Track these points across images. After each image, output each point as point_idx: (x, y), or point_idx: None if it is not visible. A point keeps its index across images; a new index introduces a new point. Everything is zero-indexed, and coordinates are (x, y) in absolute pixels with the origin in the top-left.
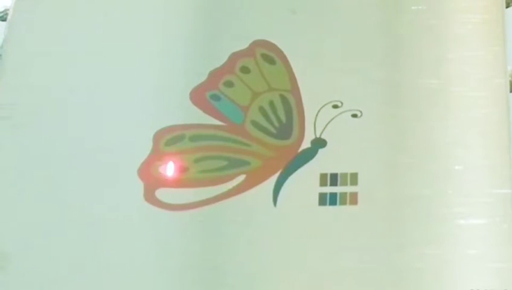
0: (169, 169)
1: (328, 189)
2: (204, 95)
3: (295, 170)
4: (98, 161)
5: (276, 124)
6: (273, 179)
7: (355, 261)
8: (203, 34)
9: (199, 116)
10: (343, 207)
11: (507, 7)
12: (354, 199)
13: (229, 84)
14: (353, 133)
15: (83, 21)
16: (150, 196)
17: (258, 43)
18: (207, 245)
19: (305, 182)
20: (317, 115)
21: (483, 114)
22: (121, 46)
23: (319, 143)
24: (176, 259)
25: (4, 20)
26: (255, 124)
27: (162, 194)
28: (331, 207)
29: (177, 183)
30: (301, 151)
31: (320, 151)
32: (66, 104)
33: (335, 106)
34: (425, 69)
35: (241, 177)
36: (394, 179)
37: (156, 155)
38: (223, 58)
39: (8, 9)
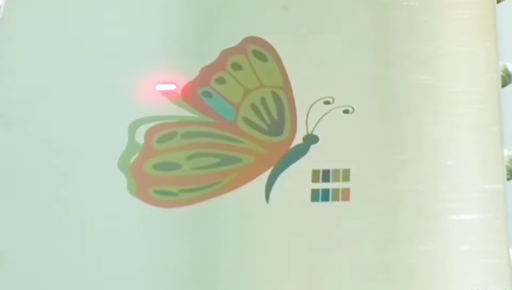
0: (162, 166)
1: (321, 185)
2: (196, 92)
3: (287, 166)
4: (92, 158)
5: (268, 120)
6: (266, 175)
7: (347, 257)
8: (195, 30)
9: (191, 113)
10: (335, 203)
11: (498, 2)
12: (346, 195)
13: (221, 81)
14: (345, 129)
15: (76, 19)
16: (142, 193)
17: (249, 40)
18: (200, 242)
19: (297, 178)
20: (309, 111)
21: (475, 109)
22: (113, 43)
23: (311, 139)
24: (168, 256)
25: None
26: (246, 120)
27: (154, 191)
28: (324, 203)
29: (170, 180)
30: (293, 148)
31: (312, 147)
32: (60, 102)
33: (327, 102)
34: (417, 65)
35: (234, 174)
36: (386, 175)
37: (148, 152)
38: (215, 55)
39: (0, 7)
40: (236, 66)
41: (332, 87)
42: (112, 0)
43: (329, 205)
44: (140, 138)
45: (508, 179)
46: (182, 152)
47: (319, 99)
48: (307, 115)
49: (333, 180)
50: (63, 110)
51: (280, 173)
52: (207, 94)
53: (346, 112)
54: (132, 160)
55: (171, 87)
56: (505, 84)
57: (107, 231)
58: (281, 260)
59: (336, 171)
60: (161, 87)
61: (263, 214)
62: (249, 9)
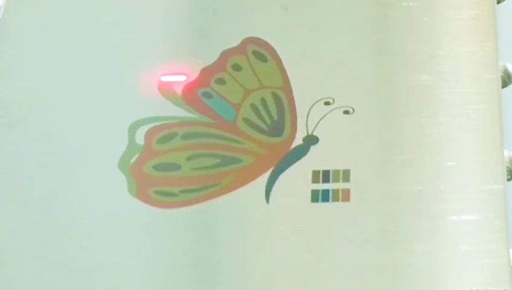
0: (162, 167)
1: (321, 186)
2: (196, 93)
3: (287, 167)
4: (93, 159)
5: (268, 121)
6: (266, 176)
7: (347, 257)
8: (195, 31)
9: (191, 114)
10: (335, 204)
11: (498, 3)
12: (346, 195)
13: (221, 81)
14: (345, 129)
15: (76, 20)
16: (142, 194)
17: (249, 40)
18: (199, 243)
19: (297, 179)
20: (309, 112)
21: (475, 110)
22: (113, 44)
23: (311, 140)
24: (168, 257)
25: None
26: (247, 121)
27: (154, 192)
28: (324, 204)
29: (170, 181)
30: (293, 148)
31: (313, 148)
32: (60, 103)
33: (327, 103)
34: (416, 66)
35: (234, 175)
36: (386, 175)
37: (148, 153)
38: (215, 56)
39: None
40: (236, 67)
41: (333, 87)
42: (112, 1)
43: (329, 205)
44: (140, 139)
45: (508, 180)
46: (182, 153)
47: (319, 100)
48: (307, 116)
49: (333, 181)
50: (63, 111)
51: (280, 174)
52: (207, 95)
53: (346, 112)
54: (132, 161)
55: (171, 87)
56: (504, 84)
57: (107, 232)
58: (281, 261)
59: (336, 171)
60: (161, 87)
61: (263, 215)
62: (249, 10)
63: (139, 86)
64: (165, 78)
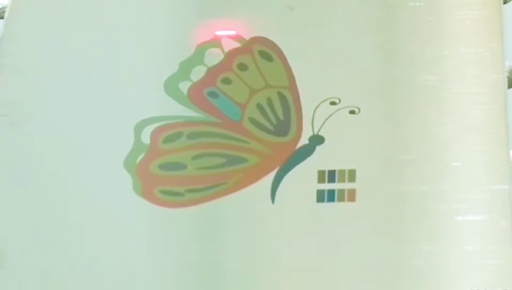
0: (167, 166)
1: (326, 186)
2: (201, 92)
3: (293, 167)
4: (98, 158)
5: (274, 121)
6: (271, 176)
7: (352, 258)
8: (200, 31)
9: (197, 114)
10: (341, 204)
11: (504, 3)
12: (352, 195)
13: (227, 81)
14: (351, 129)
15: (81, 19)
16: (148, 193)
17: (255, 40)
18: (205, 242)
19: (303, 179)
20: (314, 111)
21: (481, 110)
22: (118, 43)
23: (317, 140)
24: (173, 256)
25: (1, 17)
26: (252, 121)
27: (160, 191)
28: (329, 204)
29: (176, 180)
30: (299, 148)
31: (318, 148)
32: (65, 102)
33: (333, 103)
34: (422, 66)
35: (239, 174)
36: (392, 175)
37: (154, 152)
38: (220, 56)
39: (5, 7)
40: (242, 66)
41: (338, 87)
42: (116, 1)
43: (335, 205)
44: (146, 138)
45: None
46: (187, 152)
47: (325, 100)
48: (313, 116)
49: (339, 181)
50: (68, 110)
51: (286, 174)
52: (213, 94)
53: (352, 112)
54: (138, 160)
55: (177, 87)
56: (510, 85)
57: (113, 231)
58: (286, 261)
59: (342, 171)
60: (167, 87)
61: (268, 215)
62: (255, 9)
63: (145, 85)
64: (170, 77)
